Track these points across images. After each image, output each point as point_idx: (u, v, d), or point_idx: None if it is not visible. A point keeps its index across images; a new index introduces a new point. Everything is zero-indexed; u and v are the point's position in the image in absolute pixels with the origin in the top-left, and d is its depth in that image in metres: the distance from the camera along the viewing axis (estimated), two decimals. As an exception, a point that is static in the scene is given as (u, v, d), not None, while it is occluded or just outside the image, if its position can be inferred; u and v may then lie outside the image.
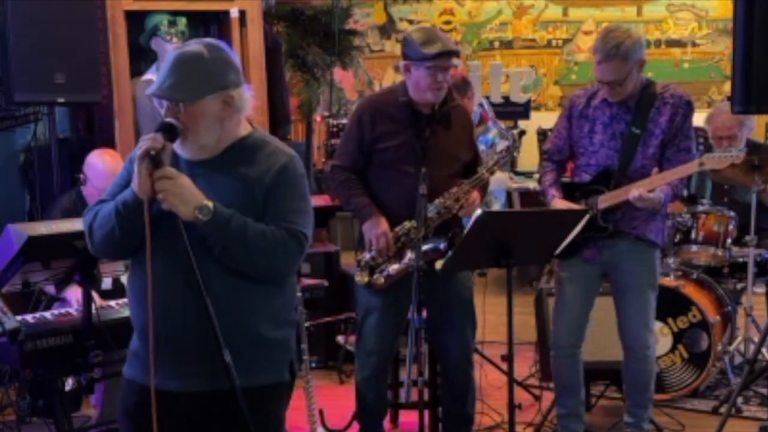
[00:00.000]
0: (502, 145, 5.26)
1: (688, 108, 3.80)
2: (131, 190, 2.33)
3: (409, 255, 3.60)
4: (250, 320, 2.40)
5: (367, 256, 3.66)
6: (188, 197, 2.30)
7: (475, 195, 3.67)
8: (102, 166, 4.20)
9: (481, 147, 4.90)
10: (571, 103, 3.93)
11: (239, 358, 2.32)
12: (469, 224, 3.33)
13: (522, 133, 5.20)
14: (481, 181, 3.67)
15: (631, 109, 3.78)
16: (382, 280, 3.64)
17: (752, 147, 5.05)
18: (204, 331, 2.29)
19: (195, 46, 2.39)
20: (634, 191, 3.67)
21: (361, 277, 3.67)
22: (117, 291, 4.02)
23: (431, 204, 3.57)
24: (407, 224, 3.61)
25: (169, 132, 2.32)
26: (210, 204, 2.31)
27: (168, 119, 2.34)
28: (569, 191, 3.90)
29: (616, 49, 3.62)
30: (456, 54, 3.64)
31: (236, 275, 2.37)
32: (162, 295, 2.33)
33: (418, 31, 3.68)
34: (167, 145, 2.30)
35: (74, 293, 3.86)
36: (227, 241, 2.32)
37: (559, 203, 3.84)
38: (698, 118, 5.89)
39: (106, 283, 4.15)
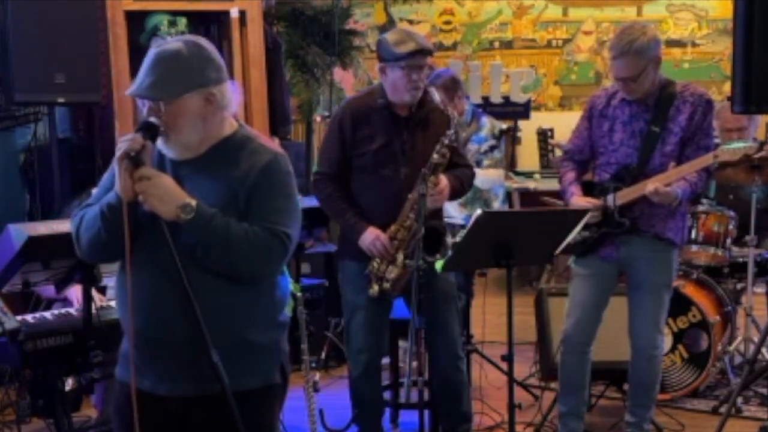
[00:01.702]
0: (491, 141, 5.28)
1: (708, 106, 3.80)
2: (115, 192, 2.31)
3: (400, 257, 3.60)
4: (236, 324, 2.38)
5: (370, 267, 3.66)
6: (168, 197, 2.27)
7: (444, 183, 3.61)
8: None
9: (475, 146, 4.90)
10: (591, 103, 3.95)
11: (227, 361, 2.30)
12: (468, 224, 3.33)
13: (502, 132, 5.18)
14: (432, 165, 3.55)
15: (650, 108, 3.79)
16: (389, 287, 3.64)
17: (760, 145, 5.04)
18: (192, 335, 2.28)
19: (174, 43, 2.36)
20: (650, 185, 3.68)
21: (373, 290, 3.66)
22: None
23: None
24: (393, 227, 3.62)
25: (149, 131, 2.29)
26: (192, 202, 2.28)
27: (148, 118, 2.32)
28: (589, 190, 3.91)
29: (630, 45, 3.64)
30: (429, 52, 3.64)
31: (222, 278, 2.34)
32: (149, 298, 2.32)
33: (392, 33, 3.70)
34: (147, 145, 2.28)
35: (75, 291, 3.86)
36: (209, 240, 2.29)
37: (578, 201, 3.84)
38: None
39: (111, 294, 4.16)
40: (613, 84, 3.96)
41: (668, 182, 3.70)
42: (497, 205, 5.35)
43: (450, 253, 3.55)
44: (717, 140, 5.17)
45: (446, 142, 3.54)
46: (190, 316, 2.26)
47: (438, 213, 3.75)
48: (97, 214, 2.36)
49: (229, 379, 2.30)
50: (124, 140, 2.27)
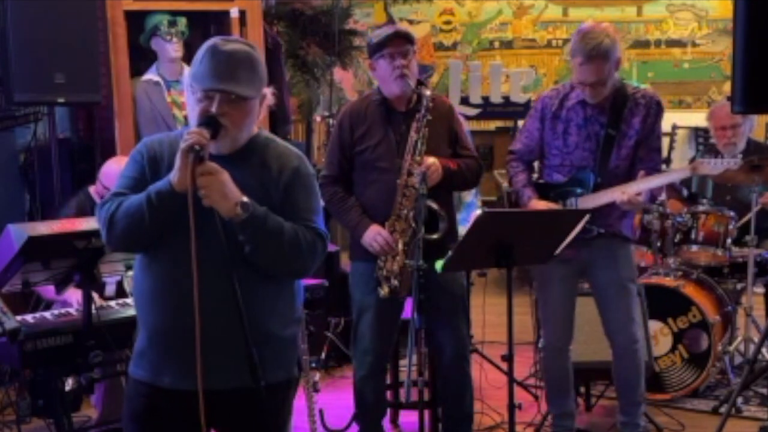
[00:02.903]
0: None
1: (659, 108, 3.83)
2: (167, 182, 2.31)
3: (401, 246, 3.61)
4: (262, 318, 2.40)
5: (377, 269, 3.67)
6: (231, 193, 2.29)
7: (430, 161, 3.58)
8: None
9: None
10: (543, 104, 3.92)
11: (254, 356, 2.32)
12: (468, 225, 3.33)
13: None
14: (412, 144, 3.58)
15: (605, 111, 3.79)
16: (397, 283, 3.64)
17: (753, 147, 5.06)
18: (225, 329, 2.29)
19: (239, 45, 2.42)
20: (623, 195, 3.67)
21: (384, 291, 3.66)
22: (120, 293, 4.02)
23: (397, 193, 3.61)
24: (390, 220, 3.64)
25: (213, 126, 2.32)
26: (248, 201, 2.31)
27: (213, 113, 2.33)
28: (543, 192, 3.90)
29: (598, 49, 3.62)
30: (407, 36, 3.65)
31: (254, 274, 2.36)
32: (180, 292, 2.30)
33: (376, 29, 3.75)
34: (209, 142, 2.30)
35: (74, 294, 3.86)
36: (262, 239, 2.33)
37: (537, 204, 3.84)
38: (699, 118, 5.89)
39: (110, 291, 4.16)
40: (564, 84, 3.94)
41: (639, 191, 3.70)
42: (470, 198, 5.43)
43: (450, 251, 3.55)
44: (712, 140, 5.18)
45: (419, 117, 3.57)
46: (226, 311, 2.26)
47: (440, 195, 3.70)
48: (142, 201, 2.34)
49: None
50: (191, 133, 2.27)
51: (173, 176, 2.29)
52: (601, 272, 3.89)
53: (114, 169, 4.28)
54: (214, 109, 2.33)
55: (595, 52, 3.61)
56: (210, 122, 2.32)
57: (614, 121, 3.77)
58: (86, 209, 4.14)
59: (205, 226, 2.26)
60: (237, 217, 2.29)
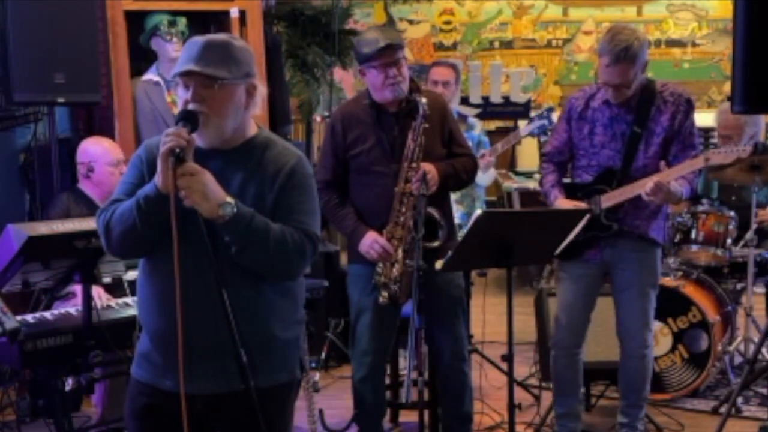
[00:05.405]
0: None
1: (689, 105, 3.79)
2: (153, 185, 2.30)
3: (400, 253, 3.60)
4: (265, 320, 2.40)
5: (375, 276, 3.66)
6: (211, 194, 2.27)
7: (426, 168, 3.56)
8: (103, 147, 4.36)
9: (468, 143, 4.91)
10: (570, 105, 3.92)
11: (258, 358, 2.32)
12: (469, 224, 3.33)
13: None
14: (409, 152, 3.57)
15: (631, 109, 3.77)
16: (397, 289, 3.63)
17: (760, 149, 5.04)
18: (220, 333, 2.28)
19: (219, 35, 2.40)
20: (650, 183, 3.63)
21: (383, 297, 3.65)
22: (116, 286, 4.01)
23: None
24: (388, 227, 3.62)
25: (191, 121, 2.30)
26: (233, 201, 2.29)
27: (190, 106, 2.31)
28: (571, 192, 3.90)
29: (626, 52, 3.59)
30: (399, 46, 3.62)
31: (252, 276, 2.36)
32: (180, 297, 2.28)
33: (363, 33, 3.74)
34: (191, 140, 2.27)
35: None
36: (247, 240, 2.31)
37: (563, 203, 3.83)
38: (699, 119, 5.89)
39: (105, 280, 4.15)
40: (591, 85, 3.93)
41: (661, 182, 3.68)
42: (479, 200, 5.48)
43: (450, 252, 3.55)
44: (714, 140, 5.19)
45: (416, 126, 3.56)
46: (221, 313, 2.26)
47: (437, 201, 3.69)
48: (132, 207, 2.34)
49: (259, 375, 2.32)
50: (170, 134, 2.25)
51: (157, 179, 2.28)
52: (622, 274, 3.87)
53: (88, 147, 4.37)
54: (189, 95, 2.32)
55: (623, 55, 3.59)
56: (186, 116, 2.30)
57: (641, 119, 3.75)
58: (73, 210, 4.15)
59: (197, 229, 2.26)
60: (220, 218, 2.27)
